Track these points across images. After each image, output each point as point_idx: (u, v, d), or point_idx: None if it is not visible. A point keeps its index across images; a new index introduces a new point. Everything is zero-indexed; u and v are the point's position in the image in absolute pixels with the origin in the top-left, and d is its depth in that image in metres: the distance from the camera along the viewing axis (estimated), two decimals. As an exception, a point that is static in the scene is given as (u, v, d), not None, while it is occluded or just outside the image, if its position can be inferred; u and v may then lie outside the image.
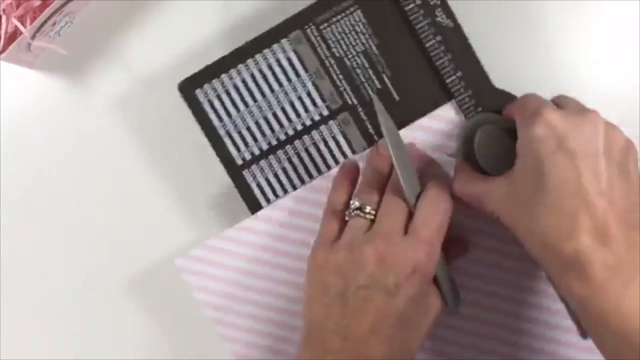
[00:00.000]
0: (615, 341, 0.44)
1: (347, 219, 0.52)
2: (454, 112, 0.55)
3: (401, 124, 0.55)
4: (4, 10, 0.55)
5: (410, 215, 0.50)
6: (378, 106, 0.51)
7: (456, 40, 0.55)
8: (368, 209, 0.51)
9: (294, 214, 0.56)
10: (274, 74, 0.57)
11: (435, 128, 0.56)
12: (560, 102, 0.50)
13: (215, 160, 0.57)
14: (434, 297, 0.50)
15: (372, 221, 0.51)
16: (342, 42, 0.56)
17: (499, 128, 0.54)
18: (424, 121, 0.56)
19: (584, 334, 0.54)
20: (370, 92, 0.56)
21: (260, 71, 0.57)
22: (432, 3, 0.55)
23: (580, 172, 0.45)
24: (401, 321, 0.48)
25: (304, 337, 0.51)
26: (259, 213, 0.56)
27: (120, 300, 0.60)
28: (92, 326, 0.60)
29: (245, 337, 0.57)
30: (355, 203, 0.51)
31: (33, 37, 0.55)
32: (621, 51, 0.57)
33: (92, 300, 0.60)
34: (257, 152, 0.57)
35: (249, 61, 0.56)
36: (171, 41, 0.59)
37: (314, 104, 0.57)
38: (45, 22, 0.55)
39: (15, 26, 0.55)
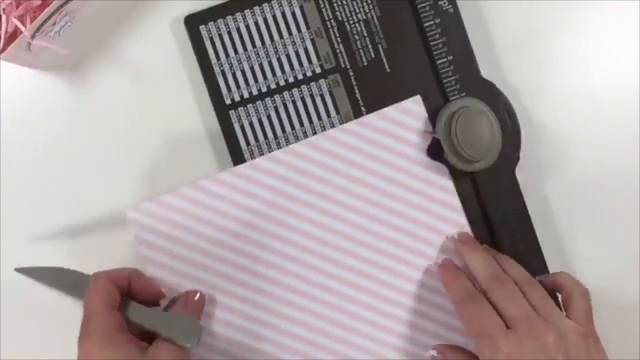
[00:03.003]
0: None
1: None
2: (419, 107, 0.58)
3: (388, 96, 0.59)
4: (4, 9, 0.54)
5: None
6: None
7: (453, 26, 0.58)
8: None
9: (251, 181, 0.58)
10: (277, 24, 0.59)
11: (398, 120, 0.58)
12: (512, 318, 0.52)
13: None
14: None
15: None
16: (346, 7, 0.59)
17: (479, 113, 0.57)
18: (389, 111, 0.58)
19: None
20: (364, 59, 0.59)
21: (265, 20, 0.59)
22: (437, -13, 0.58)
23: None
24: None
25: None
26: (217, 176, 0.58)
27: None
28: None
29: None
30: None
31: (33, 37, 0.55)
32: (618, 51, 0.61)
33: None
34: (246, 95, 0.59)
35: (256, 8, 0.59)
36: (171, 40, 0.60)
37: (309, 60, 0.59)
38: (45, 21, 0.55)
39: (15, 26, 0.54)
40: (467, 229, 0.58)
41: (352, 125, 0.58)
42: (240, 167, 0.58)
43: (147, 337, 0.53)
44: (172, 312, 0.55)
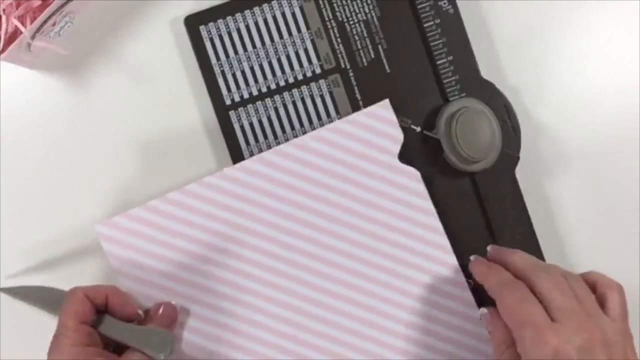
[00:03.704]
0: None
1: None
2: (389, 113, 0.57)
3: (388, 96, 0.58)
4: (4, 10, 0.54)
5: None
6: None
7: (453, 26, 0.58)
8: None
9: (221, 191, 0.57)
10: (277, 25, 0.59)
11: (369, 125, 0.57)
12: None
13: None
14: None
15: None
16: (346, 7, 0.59)
17: (479, 113, 0.57)
18: (360, 117, 0.57)
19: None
20: (364, 59, 0.59)
21: (265, 20, 0.59)
22: (437, -12, 0.58)
23: None
24: None
25: None
26: (186, 187, 0.57)
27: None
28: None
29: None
30: None
31: (33, 37, 0.55)
32: (618, 51, 0.61)
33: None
34: (246, 95, 0.59)
35: (256, 9, 0.59)
36: (171, 40, 0.60)
37: (309, 60, 0.59)
38: (45, 22, 0.55)
39: (15, 26, 0.54)
40: (440, 232, 0.57)
41: (322, 131, 0.57)
42: (209, 178, 0.57)
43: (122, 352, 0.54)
44: (145, 325, 0.56)
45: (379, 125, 0.57)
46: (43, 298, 0.57)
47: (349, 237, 0.58)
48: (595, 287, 0.53)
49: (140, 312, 0.56)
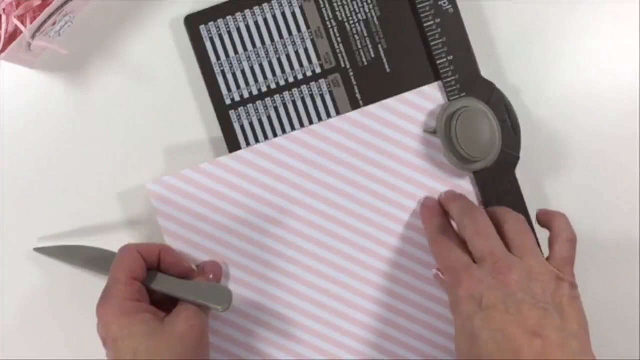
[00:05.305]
0: None
1: None
2: (439, 93, 0.58)
3: (388, 96, 0.59)
4: (4, 9, 0.54)
5: None
6: None
7: (453, 26, 0.58)
8: None
9: (270, 160, 0.58)
10: (277, 24, 0.59)
11: (418, 104, 0.58)
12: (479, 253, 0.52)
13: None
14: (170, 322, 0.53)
15: None
16: (346, 7, 0.59)
17: (479, 113, 0.57)
18: (409, 95, 0.58)
19: None
20: (364, 59, 0.59)
21: (265, 20, 0.59)
22: (437, -13, 0.58)
23: (498, 324, 0.49)
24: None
25: None
26: (236, 153, 0.59)
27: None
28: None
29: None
30: None
31: (33, 37, 0.55)
32: (618, 51, 0.60)
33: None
34: (246, 95, 0.59)
35: (256, 8, 0.59)
36: (171, 40, 0.61)
37: (309, 60, 0.59)
38: (45, 21, 0.55)
39: (15, 26, 0.54)
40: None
41: (371, 108, 0.59)
42: (259, 146, 0.58)
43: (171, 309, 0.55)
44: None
45: (429, 105, 0.58)
46: (87, 257, 0.58)
47: (393, 214, 0.59)
48: (550, 230, 0.54)
49: (194, 267, 0.57)
